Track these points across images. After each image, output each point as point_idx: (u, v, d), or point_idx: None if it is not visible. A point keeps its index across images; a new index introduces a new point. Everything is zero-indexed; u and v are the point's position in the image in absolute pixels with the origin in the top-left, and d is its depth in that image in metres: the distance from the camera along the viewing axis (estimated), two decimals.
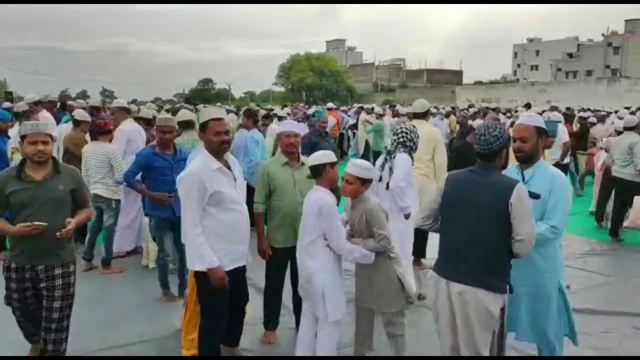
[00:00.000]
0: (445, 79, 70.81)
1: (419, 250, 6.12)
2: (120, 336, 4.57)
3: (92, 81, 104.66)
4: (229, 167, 3.70)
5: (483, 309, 3.00)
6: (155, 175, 5.17)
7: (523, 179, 3.36)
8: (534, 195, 3.26)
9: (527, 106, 18.23)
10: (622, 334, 4.65)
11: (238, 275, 3.81)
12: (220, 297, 3.64)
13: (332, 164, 3.76)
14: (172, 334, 4.55)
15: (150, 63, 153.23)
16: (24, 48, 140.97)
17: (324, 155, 3.77)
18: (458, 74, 76.68)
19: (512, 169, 3.51)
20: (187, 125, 6.11)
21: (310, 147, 5.57)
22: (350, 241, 3.74)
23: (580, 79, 55.09)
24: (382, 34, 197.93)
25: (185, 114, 6.30)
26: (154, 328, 4.73)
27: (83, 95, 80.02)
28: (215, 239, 3.55)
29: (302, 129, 5.39)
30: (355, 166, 3.75)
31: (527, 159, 3.40)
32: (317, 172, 3.75)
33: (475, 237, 3.01)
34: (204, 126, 3.62)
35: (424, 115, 6.15)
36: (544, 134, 3.42)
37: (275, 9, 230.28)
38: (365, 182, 3.76)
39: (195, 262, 3.55)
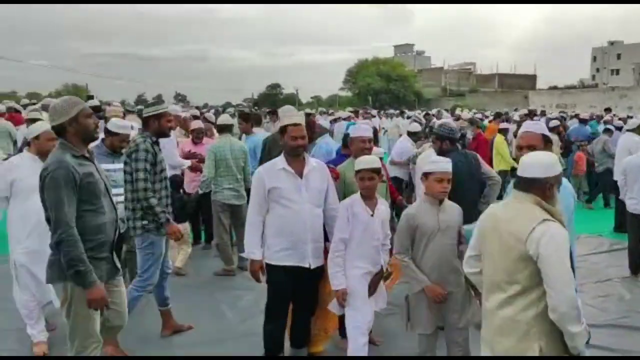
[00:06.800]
0: (518, 84, 68.31)
1: None
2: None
3: (169, 86, 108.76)
4: (302, 169, 3.78)
5: None
6: None
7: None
8: None
9: (608, 110, 17.24)
10: None
11: (297, 275, 3.80)
12: (277, 291, 3.87)
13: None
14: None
15: (226, 68, 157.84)
16: (108, 54, 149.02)
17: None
18: (531, 78, 73.80)
19: None
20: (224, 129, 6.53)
21: None
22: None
23: None
24: (452, 37, 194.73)
25: (226, 119, 6.80)
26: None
27: (158, 98, 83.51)
28: (274, 233, 3.79)
29: None
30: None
31: None
32: None
33: None
34: (282, 131, 3.84)
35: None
36: (549, 143, 3.31)
37: (346, 15, 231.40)
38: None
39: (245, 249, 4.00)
